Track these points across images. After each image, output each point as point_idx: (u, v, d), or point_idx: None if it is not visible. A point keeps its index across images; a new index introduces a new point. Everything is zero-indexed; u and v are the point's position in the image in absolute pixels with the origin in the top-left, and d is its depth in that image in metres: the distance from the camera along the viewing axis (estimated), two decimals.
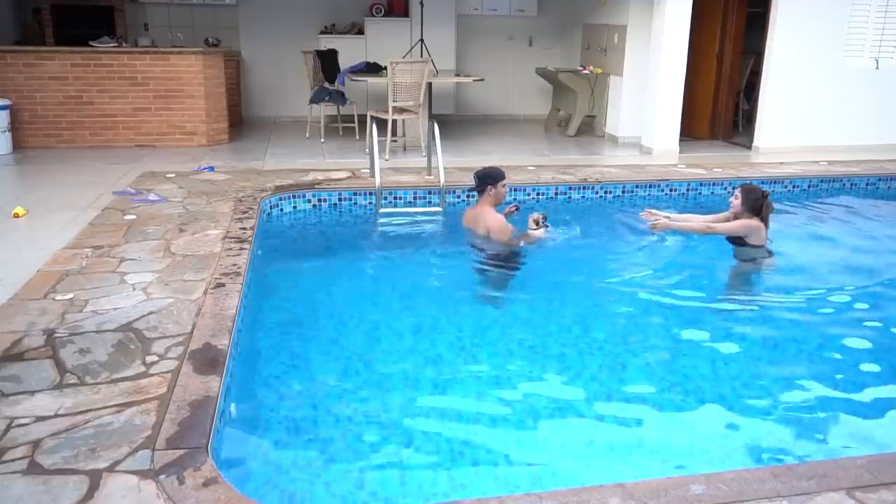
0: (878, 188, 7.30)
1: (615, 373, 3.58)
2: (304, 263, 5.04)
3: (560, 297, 4.50)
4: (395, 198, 6.21)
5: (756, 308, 4.46)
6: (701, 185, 6.87)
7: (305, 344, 3.77)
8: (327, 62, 9.00)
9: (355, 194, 6.15)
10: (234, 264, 4.21)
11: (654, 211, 5.14)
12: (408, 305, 4.37)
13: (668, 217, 5.10)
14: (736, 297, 4.71)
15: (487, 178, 5.07)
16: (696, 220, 5.17)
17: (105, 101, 7.90)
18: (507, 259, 5.03)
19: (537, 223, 5.04)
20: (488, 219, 5.03)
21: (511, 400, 3.29)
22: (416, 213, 6.08)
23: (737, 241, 4.90)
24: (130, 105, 7.96)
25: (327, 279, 4.76)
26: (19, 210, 5.23)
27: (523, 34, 10.99)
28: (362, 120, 8.65)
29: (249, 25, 10.27)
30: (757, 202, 4.77)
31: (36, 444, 2.45)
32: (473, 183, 5.16)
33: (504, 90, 11.06)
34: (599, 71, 9.35)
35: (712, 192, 6.81)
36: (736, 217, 4.87)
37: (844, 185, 7.21)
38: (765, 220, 4.80)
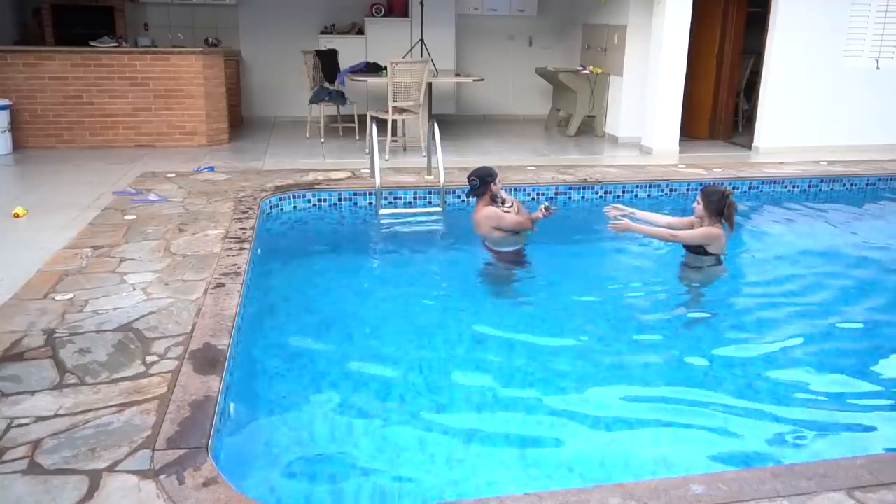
0: (877, 188, 7.30)
1: (613, 372, 3.58)
2: (303, 263, 5.04)
3: (558, 297, 4.50)
4: (395, 198, 6.21)
5: (740, 311, 4.45)
6: (701, 185, 6.85)
7: (305, 343, 3.77)
8: (327, 62, 9.00)
9: (355, 194, 6.15)
10: (234, 264, 4.21)
11: (619, 206, 4.86)
12: (408, 305, 4.37)
13: (633, 213, 4.84)
14: (713, 300, 4.69)
15: (488, 178, 5.05)
16: (661, 220, 4.95)
17: (105, 101, 7.90)
18: (510, 258, 5.03)
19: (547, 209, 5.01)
20: (484, 212, 5.02)
21: (511, 399, 3.29)
22: (416, 213, 6.08)
23: (695, 247, 4.69)
24: (130, 105, 7.96)
25: (327, 279, 4.76)
26: (19, 210, 5.23)
27: (523, 34, 10.99)
28: (362, 120, 8.65)
29: (249, 25, 10.27)
30: (719, 204, 4.52)
31: (36, 444, 2.45)
32: (474, 185, 5.07)
33: (504, 90, 11.06)
34: (599, 71, 9.35)
35: None
36: (700, 221, 4.64)
37: (845, 185, 7.22)
38: (729, 221, 4.58)
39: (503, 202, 4.98)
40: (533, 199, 6.38)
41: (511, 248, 5.02)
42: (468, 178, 5.03)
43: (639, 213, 4.90)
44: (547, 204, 4.91)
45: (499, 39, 10.92)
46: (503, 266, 5.02)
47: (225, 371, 2.96)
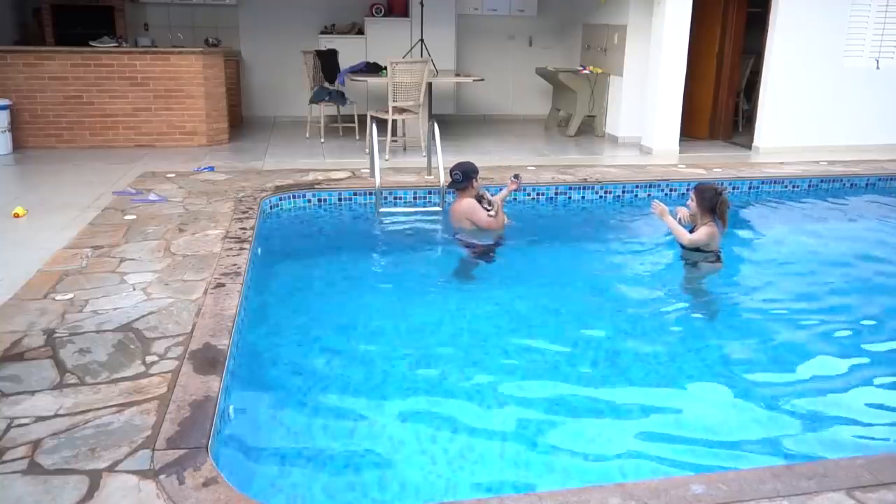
0: (877, 188, 7.30)
1: (610, 371, 3.58)
2: (303, 263, 5.04)
3: (554, 294, 4.52)
4: (395, 198, 6.21)
5: (739, 309, 4.45)
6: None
7: (305, 343, 3.77)
8: (327, 62, 9.00)
9: (355, 194, 6.15)
10: (234, 264, 4.22)
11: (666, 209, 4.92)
12: (407, 305, 4.37)
13: (679, 209, 4.95)
14: (711, 296, 4.71)
15: (472, 172, 5.15)
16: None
17: (105, 101, 7.90)
18: (482, 250, 5.08)
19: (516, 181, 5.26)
20: (463, 203, 5.11)
21: (510, 398, 3.29)
22: (416, 212, 6.08)
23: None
24: (130, 105, 7.96)
25: (327, 279, 4.76)
26: (19, 210, 5.23)
27: (523, 34, 10.99)
28: (362, 120, 8.65)
29: (249, 25, 10.27)
30: (712, 201, 4.61)
31: (36, 444, 2.45)
32: (457, 179, 5.17)
33: (504, 90, 11.06)
34: (599, 71, 9.35)
35: None
36: (693, 218, 4.77)
37: (844, 185, 7.22)
38: (722, 218, 4.66)
39: (484, 201, 5.09)
40: (533, 199, 6.39)
41: (483, 243, 5.06)
42: (451, 171, 5.10)
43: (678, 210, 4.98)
44: (516, 175, 5.04)
45: (499, 39, 10.92)
46: (475, 259, 5.06)
47: (225, 371, 2.96)
